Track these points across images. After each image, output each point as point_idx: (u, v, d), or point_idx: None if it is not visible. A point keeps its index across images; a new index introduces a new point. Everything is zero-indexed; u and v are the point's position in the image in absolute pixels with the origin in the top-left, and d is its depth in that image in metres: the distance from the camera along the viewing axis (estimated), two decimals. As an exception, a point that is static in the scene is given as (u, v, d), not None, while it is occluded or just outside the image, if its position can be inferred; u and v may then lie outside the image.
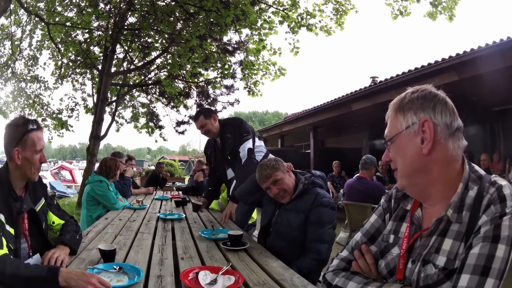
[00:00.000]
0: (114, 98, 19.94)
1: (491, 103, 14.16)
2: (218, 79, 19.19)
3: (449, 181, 1.98)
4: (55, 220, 3.65)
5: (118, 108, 20.90)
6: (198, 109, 6.02)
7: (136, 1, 16.43)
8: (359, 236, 2.41)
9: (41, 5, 16.04)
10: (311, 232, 3.99)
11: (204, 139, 6.68)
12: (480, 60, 9.31)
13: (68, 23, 16.47)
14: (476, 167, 2.03)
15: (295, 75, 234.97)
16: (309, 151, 21.81)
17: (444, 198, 1.98)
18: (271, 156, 5.35)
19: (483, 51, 9.06)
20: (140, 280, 2.73)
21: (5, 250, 2.66)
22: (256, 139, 6.11)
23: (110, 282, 2.64)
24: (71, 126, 19.72)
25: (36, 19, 15.89)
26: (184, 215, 5.99)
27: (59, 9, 16.26)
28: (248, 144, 5.83)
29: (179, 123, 20.94)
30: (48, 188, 26.01)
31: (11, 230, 2.88)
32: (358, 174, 8.84)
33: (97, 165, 8.87)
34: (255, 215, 6.68)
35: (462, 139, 2.02)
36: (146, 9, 15.91)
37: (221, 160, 6.34)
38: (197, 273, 2.84)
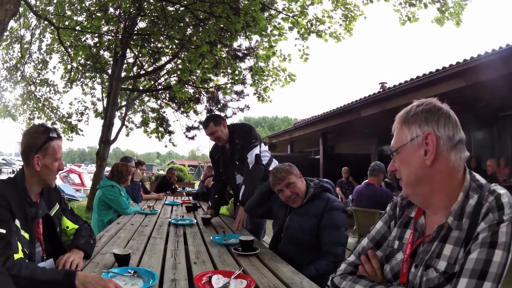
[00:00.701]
0: (124, 103, 19.97)
1: (498, 108, 14.11)
2: (228, 85, 19.18)
3: (450, 191, 2.07)
4: (69, 224, 3.71)
5: (128, 113, 20.95)
6: (207, 115, 6.03)
7: (146, 6, 16.48)
8: (365, 242, 2.52)
9: (51, 9, 16.11)
10: (327, 235, 4.07)
11: (213, 143, 6.72)
12: (487, 66, 9.31)
13: (77, 27, 16.48)
14: (477, 177, 2.11)
15: (305, 81, 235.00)
16: (319, 156, 21.72)
17: (445, 206, 2.08)
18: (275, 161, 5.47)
19: (490, 57, 9.06)
20: (154, 284, 2.79)
21: (20, 255, 2.71)
22: (262, 144, 6.18)
23: (125, 286, 2.71)
24: (81, 130, 19.86)
25: (46, 22, 15.94)
26: (195, 220, 6.05)
27: (69, 13, 16.30)
28: (256, 150, 5.92)
29: (189, 128, 20.91)
30: (57, 191, 26.34)
31: (26, 235, 2.93)
32: (366, 181, 8.88)
33: (107, 169, 8.91)
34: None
35: (464, 150, 2.10)
36: (156, 14, 15.95)
37: (230, 166, 6.40)
38: (210, 277, 2.91)
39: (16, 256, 2.65)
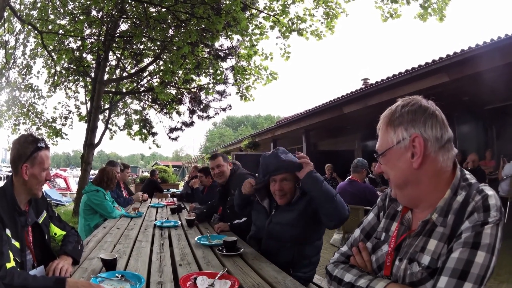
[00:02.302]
0: (107, 106, 19.85)
1: (483, 102, 14.24)
2: (211, 85, 19.19)
3: (438, 190, 2.08)
4: (57, 231, 3.75)
5: (111, 116, 20.84)
6: (215, 153, 6.10)
7: (128, 9, 16.47)
8: (357, 233, 2.58)
9: (35, 13, 16.03)
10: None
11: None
12: (470, 61, 9.37)
13: (61, 31, 16.44)
14: (468, 175, 2.13)
15: (287, 79, 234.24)
16: (302, 154, 21.58)
17: (432, 204, 2.08)
18: None
19: (473, 52, 9.11)
20: (142, 286, 2.85)
21: (12, 263, 2.77)
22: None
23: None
24: (66, 134, 19.75)
25: (30, 27, 15.87)
26: (180, 222, 6.11)
27: (52, 17, 16.23)
28: None
29: (172, 130, 20.93)
30: (44, 196, 26.11)
31: (17, 244, 2.99)
32: (349, 177, 8.92)
33: (92, 172, 8.91)
34: None
35: (452, 149, 2.11)
36: (138, 16, 15.94)
37: (219, 206, 6.63)
38: (195, 278, 2.97)
39: (8, 265, 2.71)
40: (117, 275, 3.08)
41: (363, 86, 14.96)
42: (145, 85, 20.64)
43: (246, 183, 4.80)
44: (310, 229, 4.12)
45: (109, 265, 3.30)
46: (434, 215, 2.03)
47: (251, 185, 4.65)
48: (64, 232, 3.80)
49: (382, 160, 2.23)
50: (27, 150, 3.18)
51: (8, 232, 2.90)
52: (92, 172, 18.35)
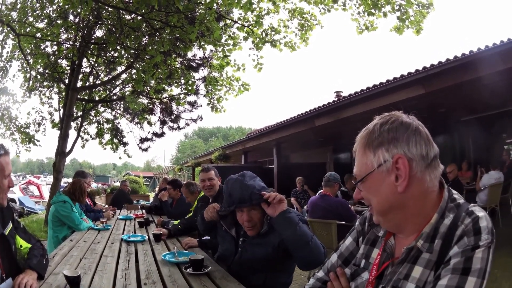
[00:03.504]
0: (79, 113, 19.77)
1: (459, 114, 14.33)
2: (182, 96, 19.30)
3: (424, 214, 1.92)
4: (23, 243, 3.67)
5: (84, 124, 20.76)
6: (207, 167, 6.06)
7: (104, 15, 16.49)
8: (334, 258, 2.43)
9: (14, 14, 15.94)
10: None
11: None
12: (447, 73, 9.41)
13: (38, 35, 16.39)
14: (455, 195, 1.97)
15: (259, 91, 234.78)
16: (273, 166, 21.82)
17: (418, 229, 1.92)
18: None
19: (450, 64, 9.12)
20: (104, 307, 2.79)
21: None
22: None
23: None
24: (38, 141, 19.64)
25: (8, 29, 15.73)
26: (147, 237, 6.05)
27: (31, 19, 16.16)
28: None
29: (142, 140, 20.97)
30: (17, 204, 25.61)
31: None
32: (321, 191, 8.88)
33: (64, 180, 8.80)
34: None
35: (439, 166, 1.95)
36: (113, 23, 15.95)
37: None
38: (159, 299, 2.90)
39: None
40: (80, 293, 3.01)
41: (336, 99, 14.99)
42: (118, 93, 20.69)
43: (209, 207, 4.61)
44: (285, 260, 3.96)
45: (73, 282, 3.24)
46: (420, 242, 1.87)
47: (215, 210, 4.46)
48: (29, 245, 3.72)
49: (362, 186, 2.03)
50: None
51: None
52: (64, 180, 18.20)
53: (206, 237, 5.59)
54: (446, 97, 11.04)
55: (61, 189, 8.18)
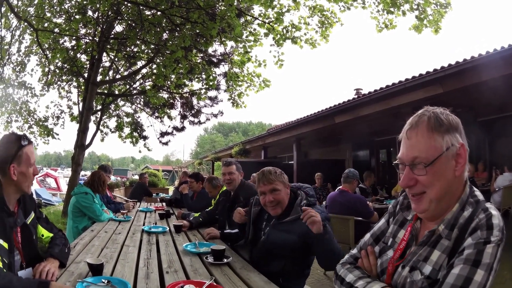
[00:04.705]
0: (99, 107, 19.78)
1: (476, 114, 14.28)
2: (203, 91, 19.21)
3: (450, 201, 2.08)
4: (44, 233, 3.72)
5: (103, 117, 20.75)
6: (229, 161, 6.05)
7: (123, 10, 16.45)
8: (367, 237, 2.60)
9: (31, 10, 15.94)
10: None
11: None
12: (465, 73, 9.39)
13: (56, 30, 16.35)
14: (476, 192, 2.12)
15: (280, 87, 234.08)
16: (292, 162, 21.70)
17: (443, 214, 2.09)
18: None
19: (468, 64, 9.11)
20: (127, 293, 2.82)
21: (-1, 264, 2.73)
22: None
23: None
24: (57, 134, 19.68)
25: (25, 24, 15.78)
26: (168, 228, 6.06)
27: (48, 15, 16.15)
28: None
29: (163, 134, 20.90)
30: (34, 196, 25.69)
31: (5, 245, 2.94)
32: (340, 187, 8.88)
33: (82, 173, 8.86)
34: None
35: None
36: (133, 18, 15.93)
37: (225, 214, 6.52)
38: (181, 287, 2.93)
39: None
40: (103, 280, 3.05)
41: (356, 96, 14.95)
42: (138, 88, 20.64)
43: (235, 213, 4.91)
44: (306, 251, 4.01)
45: (96, 270, 3.26)
46: (441, 227, 2.04)
47: (241, 214, 4.75)
48: (51, 234, 3.77)
49: (430, 169, 2.03)
50: (11, 150, 3.14)
51: None
52: (82, 173, 18.25)
53: (229, 230, 5.64)
54: (463, 97, 10.99)
55: (82, 181, 8.23)
